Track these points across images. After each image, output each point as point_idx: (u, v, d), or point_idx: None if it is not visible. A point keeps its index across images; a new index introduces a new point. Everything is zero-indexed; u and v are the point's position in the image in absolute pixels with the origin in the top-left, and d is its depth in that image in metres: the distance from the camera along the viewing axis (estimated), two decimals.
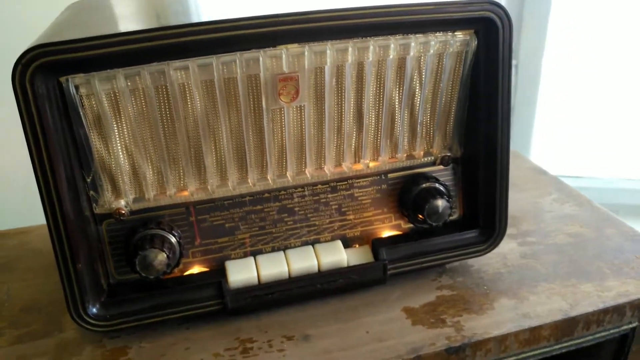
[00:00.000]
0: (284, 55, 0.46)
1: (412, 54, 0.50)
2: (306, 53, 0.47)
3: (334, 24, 0.46)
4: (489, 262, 0.61)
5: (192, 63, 0.45)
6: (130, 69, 0.44)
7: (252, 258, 0.54)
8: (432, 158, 0.57)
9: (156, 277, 0.49)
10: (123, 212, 0.50)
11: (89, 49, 0.42)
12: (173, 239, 0.51)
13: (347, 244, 0.58)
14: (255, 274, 0.53)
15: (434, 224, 0.55)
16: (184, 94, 0.46)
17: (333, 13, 0.46)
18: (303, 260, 0.54)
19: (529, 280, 0.58)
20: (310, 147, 0.52)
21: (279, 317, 0.54)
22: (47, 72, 0.42)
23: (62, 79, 0.43)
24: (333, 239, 0.57)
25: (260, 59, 0.46)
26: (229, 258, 0.55)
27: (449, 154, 0.57)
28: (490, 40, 0.51)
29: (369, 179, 0.56)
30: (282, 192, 0.54)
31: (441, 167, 0.57)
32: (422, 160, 0.57)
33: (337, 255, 0.55)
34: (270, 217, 0.55)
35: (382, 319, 0.53)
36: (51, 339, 0.53)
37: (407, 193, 0.56)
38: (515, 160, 0.85)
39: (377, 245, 0.57)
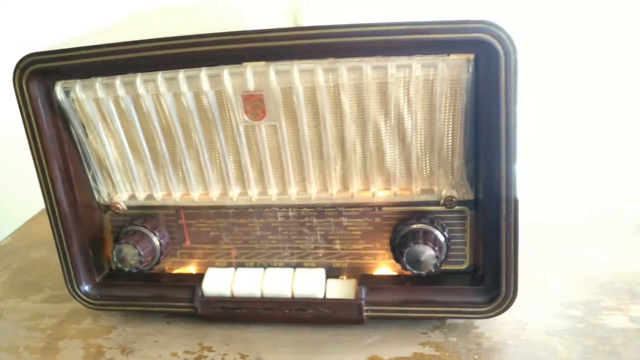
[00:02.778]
0: (247, 73, 0.45)
1: (391, 78, 0.44)
2: (270, 72, 0.45)
3: (300, 44, 0.43)
4: (501, 328, 0.51)
5: (159, 76, 0.46)
6: (106, 79, 0.48)
7: (232, 270, 0.55)
8: (434, 197, 0.50)
9: (129, 271, 0.53)
10: (119, 206, 0.55)
11: (70, 59, 0.46)
12: (154, 238, 0.54)
13: (335, 274, 0.54)
14: (229, 286, 0.53)
15: (414, 271, 0.48)
16: (159, 105, 0.48)
17: (299, 32, 0.43)
18: (277, 283, 0.53)
19: None
20: (290, 169, 0.50)
21: (247, 333, 0.54)
22: (40, 77, 0.48)
23: (56, 84, 0.48)
24: (318, 265, 0.54)
25: (222, 75, 0.45)
26: (213, 265, 0.56)
27: (454, 195, 0.49)
28: (490, 69, 0.42)
29: (360, 209, 0.52)
30: (266, 209, 0.53)
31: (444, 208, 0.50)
32: (421, 198, 0.50)
33: (312, 285, 0.52)
34: (253, 233, 0.54)
35: None
36: (69, 304, 0.61)
37: (396, 231, 0.50)
38: (624, 213, 0.69)
39: (362, 282, 0.52)
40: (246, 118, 0.47)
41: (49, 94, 0.49)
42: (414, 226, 0.49)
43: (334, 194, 0.51)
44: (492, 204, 0.46)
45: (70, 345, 0.54)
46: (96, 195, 0.55)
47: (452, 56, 0.43)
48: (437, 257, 0.48)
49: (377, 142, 0.48)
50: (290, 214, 0.53)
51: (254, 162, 0.51)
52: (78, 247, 0.54)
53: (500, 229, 0.46)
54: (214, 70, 0.46)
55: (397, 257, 0.50)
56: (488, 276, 0.49)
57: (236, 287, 0.53)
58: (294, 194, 0.51)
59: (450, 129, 0.46)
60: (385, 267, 0.53)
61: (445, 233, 0.49)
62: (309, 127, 0.48)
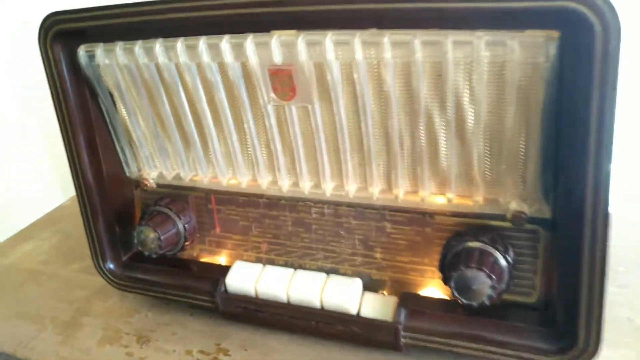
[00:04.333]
0: (273, 43, 0.38)
1: (447, 57, 0.34)
2: (299, 43, 0.37)
3: (335, 9, 0.35)
4: None
5: (180, 43, 0.40)
6: (127, 44, 0.42)
7: (260, 266, 0.49)
8: (499, 210, 0.39)
9: (149, 255, 0.49)
10: (147, 183, 0.51)
11: (93, 19, 0.42)
12: (179, 222, 0.49)
13: (373, 286, 0.46)
14: (254, 285, 0.47)
15: (463, 300, 0.39)
16: (182, 76, 0.43)
17: None
18: (306, 289, 0.46)
19: None
20: (325, 159, 0.42)
21: (269, 339, 0.48)
22: (64, 39, 0.44)
23: (80, 47, 0.44)
24: (354, 274, 0.46)
25: (245, 45, 0.38)
26: (242, 258, 0.50)
27: (524, 211, 0.38)
28: (580, 51, 0.31)
29: (407, 215, 0.43)
30: (300, 203, 0.46)
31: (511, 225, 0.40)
32: (482, 209, 0.40)
33: (345, 296, 0.44)
34: (285, 227, 0.48)
35: None
36: (101, 278, 0.58)
37: (448, 247, 0.41)
38: None
39: (403, 301, 0.44)
40: (274, 97, 0.40)
41: (74, 58, 0.45)
42: (470, 244, 0.39)
43: (376, 194, 0.42)
44: (573, 225, 0.35)
45: (91, 324, 0.52)
46: (126, 170, 0.51)
47: (529, 32, 0.32)
48: (493, 287, 0.38)
49: (430, 136, 0.38)
50: (326, 211, 0.45)
51: (286, 149, 0.44)
52: (103, 221, 0.51)
53: (582, 257, 0.35)
54: (237, 38, 0.39)
55: (446, 280, 0.41)
56: (562, 317, 0.38)
57: (261, 286, 0.47)
58: (329, 189, 0.44)
59: (524, 126, 0.36)
60: (433, 286, 0.44)
61: (508, 256, 0.39)
62: (347, 112, 0.39)
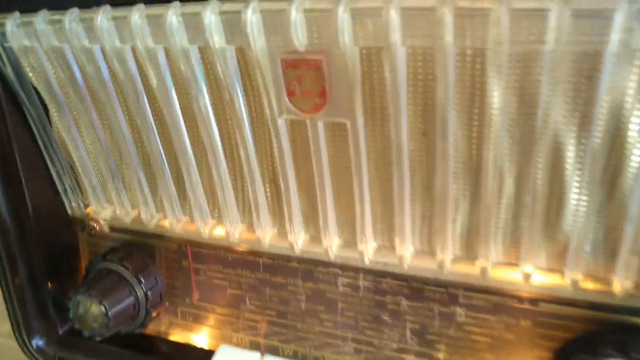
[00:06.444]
0: (292, 14, 0.22)
1: (615, 45, 0.18)
2: (339, 14, 0.21)
3: None
4: None
5: (137, 14, 0.25)
6: (55, 13, 0.27)
7: (257, 356, 0.33)
8: None
9: (91, 336, 0.33)
10: (96, 225, 0.35)
11: None
12: (137, 288, 0.33)
13: None
14: None
15: None
16: (142, 68, 0.27)
17: None
18: None
19: None
20: (366, 207, 0.27)
21: None
22: None
23: None
24: None
25: (246, 17, 0.23)
26: (230, 341, 0.34)
27: None
28: None
29: (494, 297, 0.27)
30: (320, 269, 0.30)
31: None
32: (629, 301, 0.24)
33: None
34: (295, 302, 0.32)
35: None
36: None
37: (564, 357, 0.25)
38: None
39: None
40: (290, 105, 0.24)
41: None
42: None
43: (448, 264, 0.26)
44: None
45: None
46: (66, 205, 0.35)
47: None
48: None
49: (553, 177, 0.23)
50: (361, 283, 0.30)
51: (302, 186, 0.28)
52: (27, 277, 0.35)
53: None
54: (231, 5, 0.23)
55: None
56: None
57: None
58: (370, 252, 0.28)
59: None
60: None
61: None
62: (411, 134, 0.24)
